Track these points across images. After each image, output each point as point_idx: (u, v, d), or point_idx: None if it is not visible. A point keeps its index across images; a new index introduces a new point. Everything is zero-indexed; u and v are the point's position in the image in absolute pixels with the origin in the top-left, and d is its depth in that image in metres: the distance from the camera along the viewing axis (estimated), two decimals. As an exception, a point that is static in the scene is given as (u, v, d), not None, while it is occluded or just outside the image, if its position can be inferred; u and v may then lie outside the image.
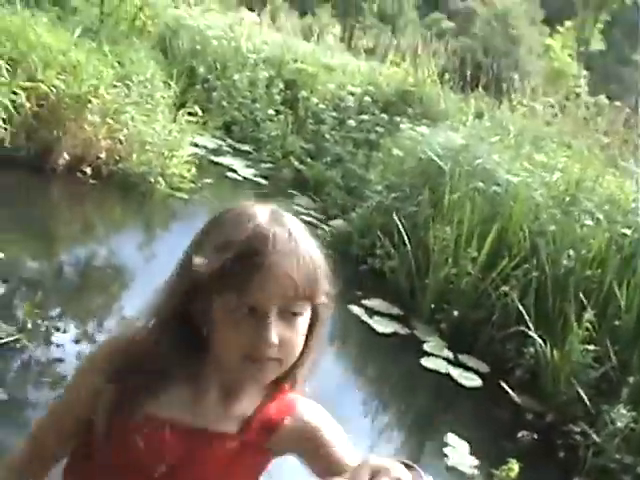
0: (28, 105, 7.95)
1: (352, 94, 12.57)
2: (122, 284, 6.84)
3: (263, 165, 12.22)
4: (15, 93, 7.76)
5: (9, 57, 7.84)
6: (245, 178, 11.48)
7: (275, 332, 1.42)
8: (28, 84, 7.90)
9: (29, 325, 5.16)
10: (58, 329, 5.40)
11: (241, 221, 1.46)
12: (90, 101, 8.45)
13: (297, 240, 1.45)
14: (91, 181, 8.61)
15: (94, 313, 6.05)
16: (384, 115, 11.54)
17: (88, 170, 8.61)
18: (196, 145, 10.54)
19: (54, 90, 8.15)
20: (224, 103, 13.09)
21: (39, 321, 5.31)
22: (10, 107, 7.71)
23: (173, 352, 1.48)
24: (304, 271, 1.43)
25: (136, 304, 1.70)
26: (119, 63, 9.24)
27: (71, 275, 6.90)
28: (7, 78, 7.71)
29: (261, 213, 1.48)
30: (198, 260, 1.42)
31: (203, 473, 1.54)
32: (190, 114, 9.98)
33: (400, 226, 8.25)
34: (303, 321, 1.48)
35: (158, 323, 1.51)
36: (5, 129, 7.75)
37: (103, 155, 8.76)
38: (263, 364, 1.45)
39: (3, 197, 7.68)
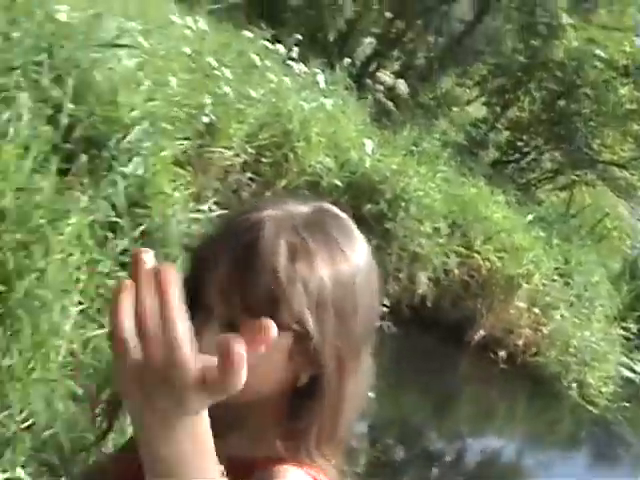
0: (457, 272, 8.14)
1: None
2: None
3: None
4: (447, 256, 8.02)
5: (453, 221, 8.17)
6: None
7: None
8: (463, 251, 8.12)
9: None
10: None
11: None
12: (521, 286, 8.39)
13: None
14: (502, 365, 8.45)
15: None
16: None
17: (502, 353, 8.48)
18: (621, 365, 9.82)
19: (488, 264, 8.26)
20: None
21: None
22: (439, 268, 7.96)
23: None
24: (250, 285, 1.15)
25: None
26: (565, 260, 9.09)
27: (462, 455, 6.79)
28: (444, 240, 8.01)
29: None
30: None
31: None
32: (624, 329, 9.38)
33: None
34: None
35: None
36: (428, 286, 7.99)
37: (521, 343, 8.57)
38: None
39: (416, 355, 7.84)
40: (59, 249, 3.20)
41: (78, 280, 3.33)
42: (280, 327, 1.04)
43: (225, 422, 1.21)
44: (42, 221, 3.25)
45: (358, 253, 1.23)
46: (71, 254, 3.31)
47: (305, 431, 1.20)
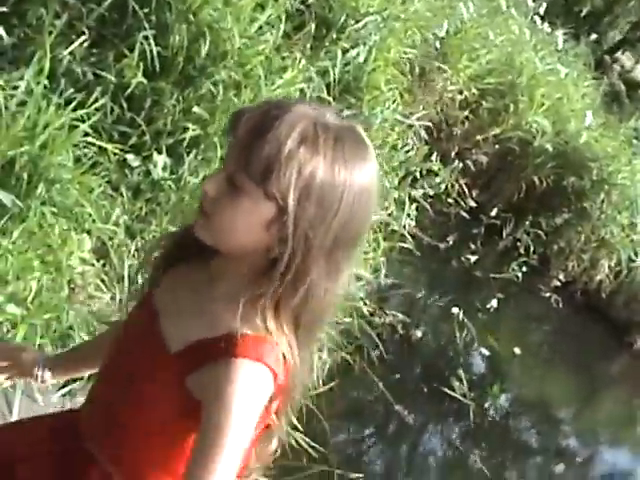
0: (642, 272, 7.93)
1: None
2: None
3: None
4: (636, 254, 7.82)
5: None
6: None
7: (213, 183, 1.36)
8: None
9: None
10: None
11: None
12: None
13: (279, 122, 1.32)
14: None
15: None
16: None
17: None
18: None
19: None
20: None
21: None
22: (624, 262, 7.78)
23: None
24: (258, 148, 1.31)
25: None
26: None
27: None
28: (638, 237, 7.80)
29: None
30: None
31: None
32: None
33: None
34: (249, 204, 1.34)
35: None
36: (608, 277, 7.84)
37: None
38: (199, 215, 1.39)
39: (572, 340, 7.71)
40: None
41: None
42: (266, 195, 1.32)
43: (216, 270, 1.45)
44: (259, 69, 3.51)
45: (359, 172, 1.36)
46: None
47: (262, 295, 1.35)
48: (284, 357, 1.38)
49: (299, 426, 3.38)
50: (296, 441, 3.53)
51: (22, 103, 2.78)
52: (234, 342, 1.35)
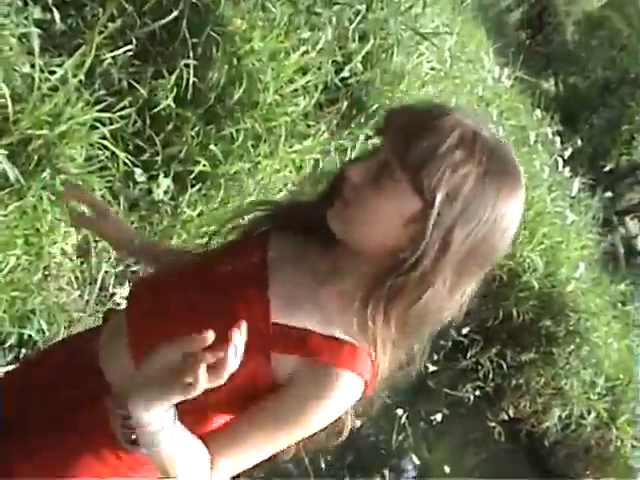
0: (587, 431, 7.93)
1: None
2: None
3: None
4: (589, 412, 7.84)
5: (613, 385, 7.95)
6: None
7: (359, 169, 1.35)
8: (603, 416, 7.89)
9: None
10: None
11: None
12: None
13: (443, 119, 1.33)
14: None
15: None
16: None
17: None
18: None
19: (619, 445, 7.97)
20: None
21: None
22: (575, 417, 7.78)
23: None
24: (418, 138, 1.31)
25: None
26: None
27: None
28: (594, 396, 7.82)
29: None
30: None
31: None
32: None
33: None
34: (395, 195, 1.33)
35: None
36: (556, 426, 7.84)
37: None
38: (336, 202, 1.39)
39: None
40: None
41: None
42: (415, 187, 1.30)
43: (340, 263, 1.44)
44: (282, 129, 3.62)
45: (508, 191, 1.34)
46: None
47: (379, 297, 1.34)
48: (372, 361, 1.39)
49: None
50: None
51: (54, 88, 2.84)
52: (340, 350, 1.37)
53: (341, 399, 1.38)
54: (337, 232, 1.39)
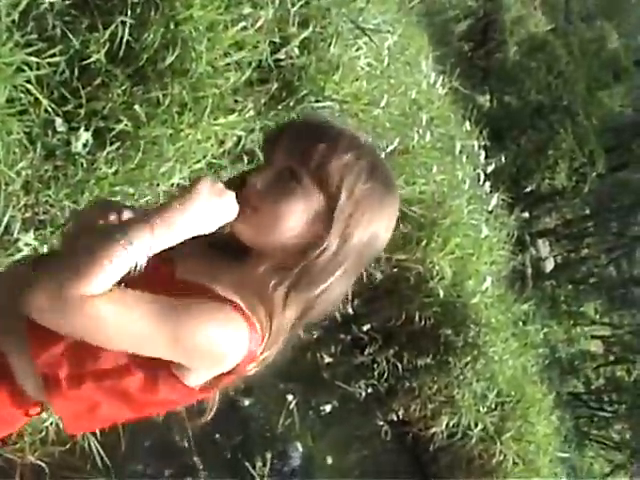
0: (473, 442, 8.09)
1: None
2: None
3: None
4: (483, 423, 8.00)
5: (503, 402, 8.13)
6: None
7: (261, 177, 1.45)
8: (489, 430, 8.06)
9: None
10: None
11: None
12: None
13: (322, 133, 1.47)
14: None
15: None
16: None
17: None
18: None
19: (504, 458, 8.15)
20: None
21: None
22: (462, 426, 7.92)
23: None
24: (316, 141, 1.44)
25: None
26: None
27: None
28: (483, 409, 7.98)
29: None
30: None
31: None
32: None
33: None
34: (301, 195, 1.44)
35: None
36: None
37: None
38: (240, 207, 1.45)
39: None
40: None
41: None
42: (319, 184, 1.43)
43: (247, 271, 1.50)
44: (209, 100, 3.62)
45: (394, 195, 1.54)
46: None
47: (279, 283, 1.44)
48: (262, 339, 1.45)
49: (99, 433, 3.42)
50: (89, 444, 3.56)
51: (-16, 25, 2.80)
52: (238, 309, 1.43)
53: (225, 329, 1.41)
54: (247, 239, 1.47)
